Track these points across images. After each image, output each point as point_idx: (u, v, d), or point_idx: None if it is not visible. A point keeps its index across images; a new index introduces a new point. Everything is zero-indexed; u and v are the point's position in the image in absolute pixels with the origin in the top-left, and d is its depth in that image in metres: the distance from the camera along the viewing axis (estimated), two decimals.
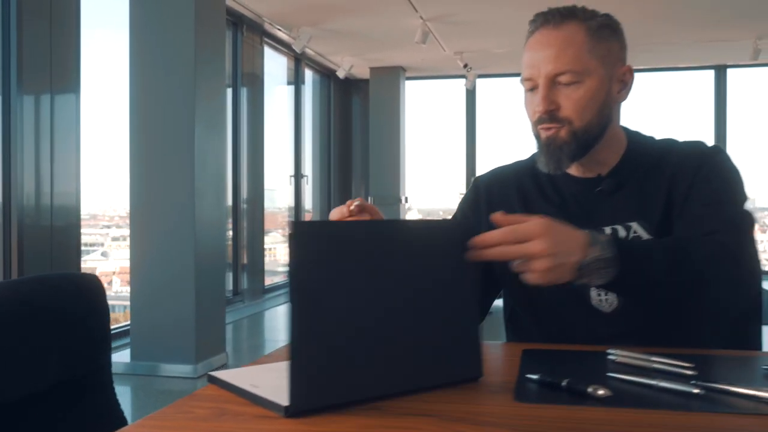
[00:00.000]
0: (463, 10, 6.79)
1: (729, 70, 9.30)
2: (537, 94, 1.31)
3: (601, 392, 0.92)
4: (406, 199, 9.88)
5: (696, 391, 0.93)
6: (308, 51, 8.44)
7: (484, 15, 6.99)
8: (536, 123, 1.33)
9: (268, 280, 8.26)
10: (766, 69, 9.02)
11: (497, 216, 1.06)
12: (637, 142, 1.43)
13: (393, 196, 9.62)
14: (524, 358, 1.17)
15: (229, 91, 7.04)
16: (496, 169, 1.55)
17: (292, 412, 0.85)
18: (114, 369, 3.87)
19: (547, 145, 1.32)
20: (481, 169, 9.85)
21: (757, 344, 1.49)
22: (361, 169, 10.28)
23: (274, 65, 8.31)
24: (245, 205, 7.29)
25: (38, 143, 3.65)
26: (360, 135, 10.29)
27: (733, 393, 0.94)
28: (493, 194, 1.49)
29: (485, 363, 1.11)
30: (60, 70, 3.76)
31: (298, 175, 8.67)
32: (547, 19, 1.32)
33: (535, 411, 0.90)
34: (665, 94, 9.96)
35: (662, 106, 9.90)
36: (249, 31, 7.23)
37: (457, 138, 10.07)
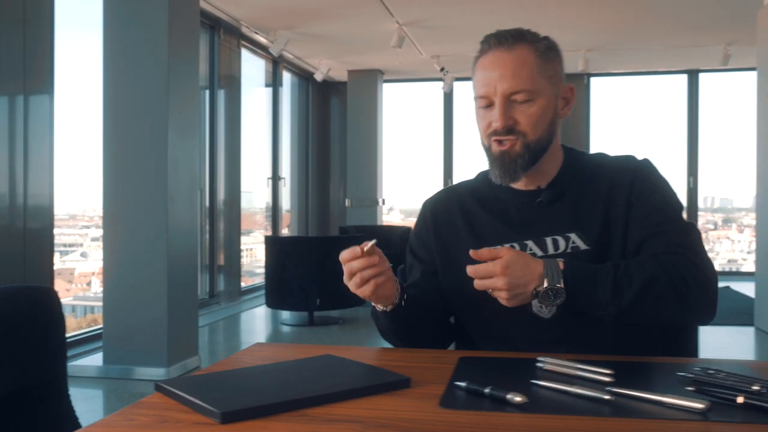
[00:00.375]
0: (439, 15, 6.87)
1: (701, 75, 9.45)
2: (493, 110, 1.40)
3: (518, 399, 0.98)
4: (384, 201, 9.94)
5: (607, 397, 1.00)
6: (286, 54, 8.47)
7: (459, 20, 7.06)
8: (491, 135, 1.42)
9: (247, 281, 8.30)
10: (737, 74, 9.18)
11: (472, 251, 1.26)
12: (572, 156, 1.53)
13: (370, 198, 9.68)
14: (458, 365, 1.23)
15: (207, 94, 7.08)
16: (441, 191, 1.64)
17: (226, 419, 0.91)
18: (86, 372, 3.91)
19: (501, 158, 1.42)
20: (458, 170, 9.95)
21: (693, 350, 1.57)
22: (339, 171, 10.33)
23: (252, 68, 8.35)
24: (222, 207, 7.32)
25: (12, 145, 3.66)
26: (338, 137, 10.35)
27: (643, 399, 1.01)
28: (438, 215, 1.57)
29: (425, 371, 1.18)
30: (34, 72, 3.77)
31: (275, 177, 8.71)
32: (500, 41, 1.41)
33: (456, 417, 0.96)
34: (640, 97, 10.10)
35: (637, 109, 10.04)
36: (226, 34, 7.27)
37: (434, 140, 10.15)
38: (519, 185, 1.50)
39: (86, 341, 5.02)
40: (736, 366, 1.22)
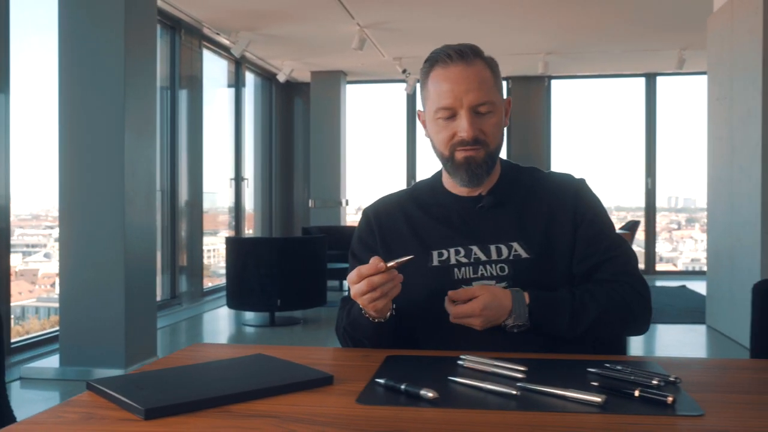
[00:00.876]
0: (399, 17, 6.94)
1: (658, 78, 9.65)
2: (457, 121, 1.48)
3: (430, 395, 1.04)
4: (347, 201, 9.99)
5: (515, 392, 1.06)
6: (248, 55, 8.49)
7: (420, 23, 7.14)
8: (456, 145, 1.50)
9: (214, 281, 8.29)
10: (692, 77, 9.39)
11: (452, 293, 1.41)
12: (509, 166, 1.64)
13: (334, 198, 9.72)
14: (384, 363, 1.29)
15: (168, 94, 7.06)
16: (379, 199, 1.69)
17: (149, 415, 0.96)
18: (43, 375, 3.90)
19: (467, 165, 1.50)
20: (421, 170, 10.03)
21: (623, 349, 1.66)
22: (302, 172, 10.36)
23: (214, 68, 8.34)
24: (184, 208, 7.31)
25: None
26: (302, 138, 10.37)
27: (547, 393, 1.07)
28: (382, 221, 1.62)
29: (352, 369, 1.23)
30: None
31: (238, 178, 8.71)
32: (460, 55, 1.48)
33: (371, 412, 1.01)
34: (600, 99, 10.28)
35: (597, 111, 10.21)
36: (187, 35, 7.26)
37: (398, 140, 10.23)
38: (461, 192, 1.58)
39: (44, 343, 5.00)
40: (646, 363, 1.30)
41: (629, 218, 9.25)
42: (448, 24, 7.20)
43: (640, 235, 9.54)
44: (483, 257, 1.50)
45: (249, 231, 9.36)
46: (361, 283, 1.32)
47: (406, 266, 1.49)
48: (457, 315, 1.39)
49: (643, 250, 9.85)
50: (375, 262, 1.32)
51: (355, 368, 1.27)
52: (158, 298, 6.82)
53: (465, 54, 1.47)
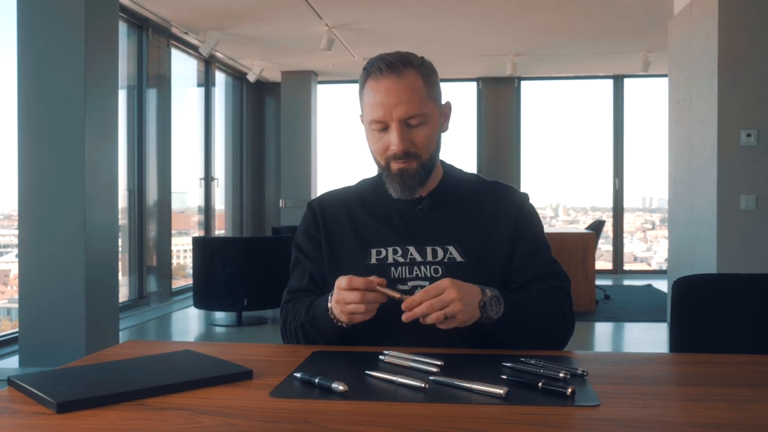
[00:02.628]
0: (367, 18, 6.97)
1: (626, 80, 9.78)
2: (389, 134, 1.51)
3: (341, 388, 1.08)
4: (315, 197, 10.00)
5: (424, 385, 1.10)
6: (218, 54, 8.48)
7: (389, 24, 7.18)
8: (390, 158, 1.53)
9: (187, 281, 8.26)
10: (657, 79, 9.52)
11: (410, 301, 1.34)
12: (450, 171, 1.67)
13: (305, 198, 9.73)
14: (308, 358, 1.32)
15: (136, 93, 7.04)
16: (325, 193, 1.73)
17: (62, 408, 0.98)
18: (1, 375, 3.87)
19: (400, 176, 1.53)
20: None
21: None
22: (273, 172, 10.36)
23: (183, 67, 8.32)
24: (153, 208, 7.29)
25: None
26: (273, 137, 10.38)
27: (456, 386, 1.11)
28: (326, 215, 1.65)
29: (277, 365, 1.26)
30: None
31: (208, 178, 8.70)
32: (390, 67, 1.48)
33: (283, 404, 1.05)
34: (569, 101, 10.38)
35: (566, 112, 10.31)
36: (155, 34, 7.23)
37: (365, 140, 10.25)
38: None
39: (8, 343, 4.96)
40: (561, 357, 1.34)
41: (599, 218, 9.36)
42: (418, 25, 7.25)
43: (608, 234, 9.67)
44: (419, 258, 1.53)
45: (220, 231, 9.35)
46: (353, 294, 1.35)
47: (346, 262, 1.54)
48: (434, 307, 1.32)
49: (611, 249, 9.97)
50: (372, 279, 1.35)
51: (280, 363, 1.30)
52: (125, 298, 6.82)
53: (395, 66, 1.48)
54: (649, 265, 10.39)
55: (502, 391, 1.06)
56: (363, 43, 7.94)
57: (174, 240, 7.82)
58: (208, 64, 8.71)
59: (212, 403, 1.05)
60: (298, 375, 1.16)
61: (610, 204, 9.96)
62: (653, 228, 10.62)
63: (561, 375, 1.16)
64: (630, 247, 10.22)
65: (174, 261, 7.89)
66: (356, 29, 7.37)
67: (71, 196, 4.17)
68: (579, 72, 9.83)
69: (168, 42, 7.51)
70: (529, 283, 1.54)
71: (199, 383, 1.11)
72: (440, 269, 1.51)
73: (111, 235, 4.53)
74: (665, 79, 6.55)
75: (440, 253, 1.54)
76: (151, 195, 7.24)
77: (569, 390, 1.07)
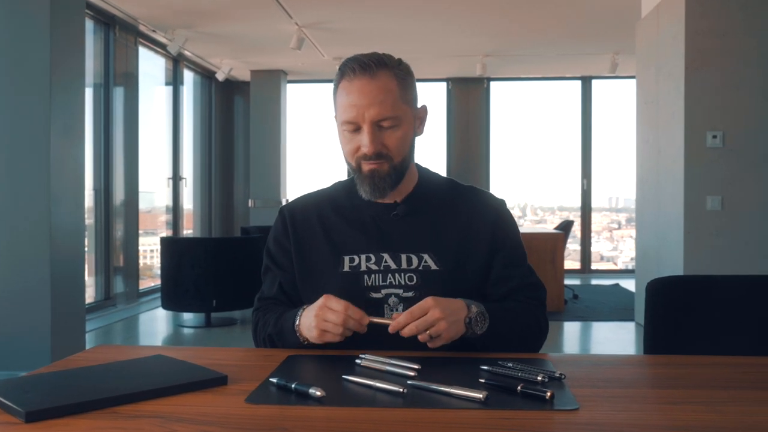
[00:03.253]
0: (338, 17, 6.95)
1: (593, 81, 9.88)
2: (361, 135, 1.48)
3: (318, 393, 1.06)
4: (288, 201, 9.95)
5: (402, 389, 1.09)
6: (187, 53, 8.39)
7: (359, 23, 7.17)
8: (360, 159, 1.50)
9: (155, 281, 8.16)
10: (624, 81, 9.63)
11: (403, 319, 1.34)
12: (426, 175, 1.64)
13: (274, 198, 9.68)
14: (284, 363, 1.30)
15: (102, 91, 6.93)
16: (297, 198, 1.69)
17: (30, 417, 0.95)
18: None
19: (371, 178, 1.50)
20: None
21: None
22: (242, 172, 10.28)
23: (151, 66, 8.22)
24: (120, 208, 7.19)
25: None
26: (242, 137, 10.30)
27: (434, 390, 1.10)
28: (296, 221, 1.61)
29: (251, 369, 1.24)
30: None
31: (176, 177, 8.60)
32: (363, 68, 1.47)
33: (259, 411, 1.03)
34: (538, 101, 10.46)
35: (535, 113, 10.39)
36: (122, 32, 7.13)
37: (338, 140, 10.22)
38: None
39: None
40: (538, 360, 1.34)
41: (567, 218, 9.44)
42: (388, 25, 7.25)
43: (576, 234, 9.76)
44: (393, 265, 1.50)
45: (188, 231, 9.25)
46: (336, 316, 1.34)
47: (317, 270, 1.52)
48: (420, 328, 1.33)
49: (579, 249, 10.07)
50: (361, 314, 1.35)
51: (255, 368, 1.28)
52: (92, 300, 6.71)
53: (368, 67, 1.46)
54: (615, 264, 10.51)
55: (481, 396, 1.06)
56: (333, 42, 7.91)
57: (141, 240, 7.72)
58: (176, 63, 8.62)
59: (187, 410, 1.02)
60: (274, 380, 1.14)
61: (577, 204, 10.05)
62: (619, 228, 10.74)
63: (539, 378, 1.15)
64: (597, 246, 10.33)
65: (141, 261, 7.78)
66: (326, 28, 7.35)
67: (36, 195, 4.09)
68: (547, 73, 9.91)
69: (135, 40, 7.41)
70: (508, 294, 1.54)
71: (172, 390, 1.09)
72: (415, 277, 1.49)
73: (77, 236, 4.45)
74: (632, 81, 6.64)
75: (415, 260, 1.51)
76: (118, 194, 7.14)
77: (548, 394, 1.06)
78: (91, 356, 1.38)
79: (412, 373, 1.19)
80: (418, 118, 1.57)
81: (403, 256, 1.51)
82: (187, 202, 9.16)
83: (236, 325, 6.19)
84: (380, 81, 1.46)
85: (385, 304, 1.48)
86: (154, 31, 7.42)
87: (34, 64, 4.09)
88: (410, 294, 1.48)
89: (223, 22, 7.18)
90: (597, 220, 10.28)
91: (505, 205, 1.64)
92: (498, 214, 1.59)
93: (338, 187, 1.67)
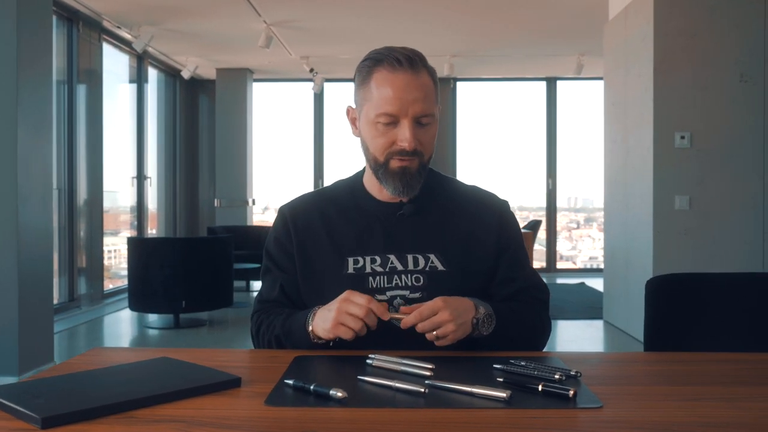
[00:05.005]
0: (307, 16, 6.90)
1: (559, 82, 9.99)
2: (398, 129, 1.44)
3: (340, 394, 1.04)
4: (254, 201, 9.87)
5: (423, 390, 1.08)
6: (151, 50, 8.26)
7: (327, 22, 7.13)
8: (393, 153, 1.46)
9: (115, 283, 8.01)
10: (590, 82, 9.76)
11: (404, 310, 1.36)
12: (432, 175, 1.59)
13: (241, 198, 9.59)
14: (292, 364, 1.28)
15: (65, 89, 6.79)
16: (297, 198, 1.64)
17: (46, 424, 0.91)
18: None
19: (402, 173, 1.47)
20: (329, 169, 10.02)
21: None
22: (208, 171, 10.16)
23: (115, 63, 8.08)
24: (83, 207, 7.04)
25: None
26: (207, 136, 10.18)
27: (455, 390, 1.09)
28: (298, 222, 1.56)
29: (259, 371, 1.22)
30: None
31: (140, 176, 8.46)
32: (409, 62, 1.44)
33: (281, 413, 1.00)
34: (504, 102, 10.54)
35: (501, 113, 10.46)
36: (86, 28, 6.99)
37: (305, 140, 10.18)
38: (383, 197, 1.55)
39: None
40: (548, 358, 1.34)
41: (531, 218, 9.53)
42: (357, 24, 7.22)
43: (541, 234, 9.85)
44: (399, 267, 1.48)
45: (152, 231, 9.11)
46: (360, 309, 1.31)
47: (321, 273, 1.50)
48: (425, 329, 1.33)
49: (544, 249, 10.17)
50: (383, 309, 1.33)
51: (263, 369, 1.25)
52: (55, 301, 6.55)
53: (414, 62, 1.44)
54: (575, 263, 10.64)
55: (504, 395, 1.04)
56: (300, 41, 7.86)
57: (105, 240, 7.58)
58: (141, 60, 8.48)
59: (205, 413, 0.99)
60: (290, 382, 1.12)
61: (542, 204, 10.15)
62: (578, 227, 10.87)
63: (557, 377, 1.15)
64: (557, 245, 10.43)
65: (105, 262, 7.64)
66: (294, 27, 7.30)
67: (4, 195, 3.98)
68: (513, 74, 9.99)
69: (99, 36, 7.27)
70: (514, 295, 1.53)
71: (188, 393, 1.05)
72: (422, 278, 1.47)
73: (45, 236, 4.35)
74: (597, 82, 6.73)
75: (421, 261, 1.49)
76: (82, 194, 6.99)
77: (571, 392, 1.06)
78: (91, 359, 1.34)
79: (427, 373, 1.17)
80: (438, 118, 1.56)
81: (410, 257, 1.49)
82: (151, 202, 9.02)
83: (205, 326, 6.11)
84: (423, 78, 1.45)
85: (391, 305, 1.46)
86: (118, 27, 7.29)
87: (1, 62, 3.99)
88: (417, 295, 1.46)
89: (190, 20, 7.09)
90: (557, 220, 10.39)
91: (508, 206, 1.62)
92: (502, 216, 1.58)
93: (339, 186, 1.63)
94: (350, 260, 1.50)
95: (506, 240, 1.56)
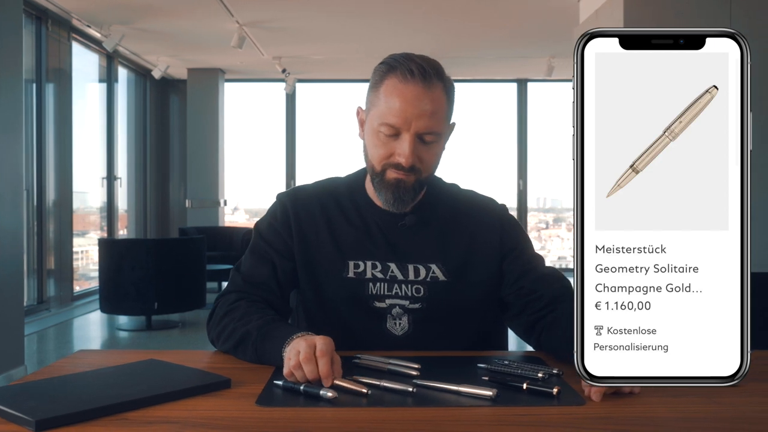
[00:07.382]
0: (280, 16, 6.89)
1: (529, 84, 10.08)
2: (398, 142, 1.39)
3: (330, 395, 1.06)
4: (226, 201, 9.82)
5: (411, 389, 1.10)
6: (122, 49, 8.18)
7: (301, 22, 7.12)
8: (389, 165, 1.42)
9: (83, 285, 7.91)
10: (560, 84, 9.86)
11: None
12: (433, 184, 1.57)
13: (212, 198, 9.54)
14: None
15: (34, 88, 6.69)
16: (296, 188, 1.59)
17: (40, 426, 0.92)
18: None
19: (395, 187, 1.43)
20: (301, 169, 9.99)
21: (504, 344, 1.74)
22: (179, 171, 10.08)
23: (85, 62, 7.98)
24: (52, 208, 6.95)
25: None
26: (178, 136, 10.10)
27: (442, 389, 1.12)
28: (299, 213, 1.52)
29: (248, 372, 1.23)
30: None
31: (110, 177, 8.38)
32: (423, 74, 1.37)
33: (272, 414, 1.02)
34: (475, 103, 10.60)
35: (472, 114, 10.52)
36: (55, 26, 6.90)
37: (277, 140, 10.15)
38: (382, 204, 1.50)
39: None
40: (531, 357, 1.37)
41: None
42: (330, 25, 7.22)
43: None
44: (400, 276, 1.46)
45: (122, 232, 9.02)
46: (312, 378, 1.13)
47: (321, 273, 1.48)
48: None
49: None
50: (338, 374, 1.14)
51: (251, 371, 1.27)
52: (24, 303, 6.46)
53: (427, 75, 1.37)
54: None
55: (491, 393, 1.07)
56: (273, 41, 7.84)
57: (74, 241, 7.49)
58: (111, 60, 8.39)
59: (198, 414, 1.01)
60: (279, 383, 1.13)
61: (512, 204, 10.23)
62: (546, 227, 10.97)
63: (539, 375, 1.18)
64: None
65: (74, 263, 7.55)
66: (266, 27, 7.27)
67: None
68: (484, 75, 10.05)
69: (69, 35, 7.19)
70: (552, 303, 1.43)
71: (179, 394, 1.07)
72: (422, 289, 1.46)
73: (16, 238, 4.30)
74: (567, 84, 6.80)
75: (423, 271, 1.47)
76: (50, 194, 6.90)
77: (555, 390, 1.09)
78: (76, 362, 1.34)
79: (414, 373, 1.20)
80: (449, 134, 1.51)
81: (411, 267, 1.47)
82: (122, 203, 8.93)
83: (177, 328, 6.08)
84: (435, 93, 1.38)
85: (389, 314, 1.46)
86: (88, 26, 7.21)
87: None
88: (417, 306, 1.46)
89: (161, 19, 7.03)
90: (527, 221, 10.47)
91: (507, 210, 1.61)
92: (501, 222, 1.56)
93: (339, 184, 1.58)
94: (351, 263, 1.48)
95: (510, 241, 1.54)
